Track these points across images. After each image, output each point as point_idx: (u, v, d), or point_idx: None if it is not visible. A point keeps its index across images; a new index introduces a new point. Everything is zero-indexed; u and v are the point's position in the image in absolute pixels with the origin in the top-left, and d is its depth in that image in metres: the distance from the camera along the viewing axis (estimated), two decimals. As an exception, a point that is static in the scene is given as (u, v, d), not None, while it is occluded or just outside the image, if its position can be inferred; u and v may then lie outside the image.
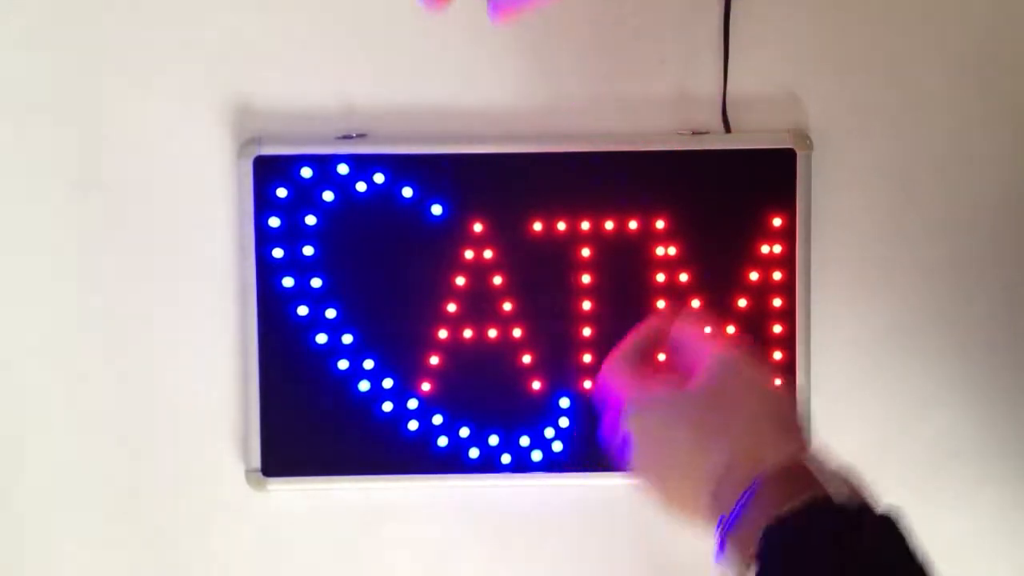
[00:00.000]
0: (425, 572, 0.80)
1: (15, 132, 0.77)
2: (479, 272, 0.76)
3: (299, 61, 0.77)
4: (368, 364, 0.76)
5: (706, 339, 0.59)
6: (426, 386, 0.77)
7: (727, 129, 0.76)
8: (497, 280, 0.76)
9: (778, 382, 0.58)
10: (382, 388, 0.76)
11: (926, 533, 0.79)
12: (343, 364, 0.76)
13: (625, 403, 0.58)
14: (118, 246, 0.78)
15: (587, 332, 0.76)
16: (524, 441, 0.77)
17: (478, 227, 0.76)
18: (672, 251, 0.76)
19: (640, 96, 0.77)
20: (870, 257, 0.78)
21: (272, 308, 0.76)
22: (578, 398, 0.77)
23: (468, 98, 0.77)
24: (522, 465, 0.77)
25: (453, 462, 0.77)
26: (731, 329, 0.76)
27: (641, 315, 0.75)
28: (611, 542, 0.79)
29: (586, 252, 0.76)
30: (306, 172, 0.75)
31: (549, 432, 0.77)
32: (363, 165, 0.76)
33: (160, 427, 0.79)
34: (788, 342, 0.76)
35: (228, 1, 0.77)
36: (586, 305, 0.76)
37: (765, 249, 0.76)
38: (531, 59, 0.77)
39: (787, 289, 0.76)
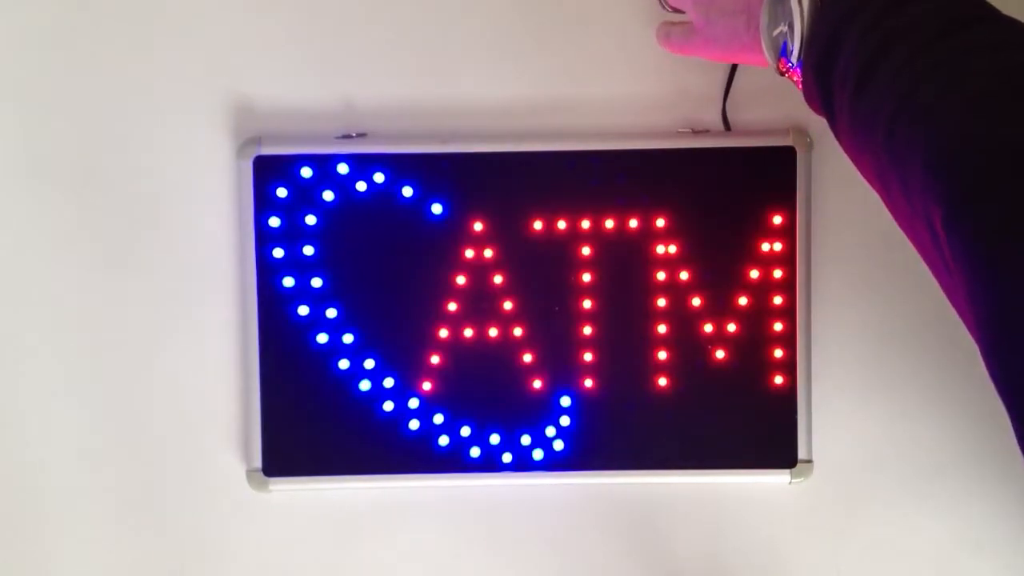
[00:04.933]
0: (426, 571, 0.80)
1: (15, 132, 0.77)
2: (479, 271, 0.76)
3: (299, 61, 0.77)
4: (369, 364, 0.76)
5: None
6: (427, 385, 0.77)
7: (727, 127, 0.76)
8: (497, 279, 0.76)
9: None
10: (383, 388, 0.76)
11: (924, 534, 0.80)
12: (344, 364, 0.76)
13: None
14: (118, 246, 0.78)
15: (587, 331, 0.76)
16: (525, 440, 0.77)
17: (478, 226, 0.76)
18: (672, 249, 0.76)
19: (640, 94, 0.77)
20: (870, 255, 0.78)
21: (272, 308, 0.76)
22: (579, 397, 0.77)
23: (468, 98, 0.77)
24: (523, 464, 0.77)
25: (454, 461, 0.77)
26: (732, 328, 0.76)
27: (642, 314, 0.76)
28: (612, 541, 0.79)
29: (586, 251, 0.76)
30: (306, 172, 0.75)
31: (550, 431, 0.77)
32: (363, 165, 0.76)
33: (161, 427, 0.79)
34: (788, 340, 0.76)
35: (228, 1, 0.77)
36: (586, 304, 0.76)
37: (765, 247, 0.76)
38: (531, 58, 0.77)
39: (787, 287, 0.76)
